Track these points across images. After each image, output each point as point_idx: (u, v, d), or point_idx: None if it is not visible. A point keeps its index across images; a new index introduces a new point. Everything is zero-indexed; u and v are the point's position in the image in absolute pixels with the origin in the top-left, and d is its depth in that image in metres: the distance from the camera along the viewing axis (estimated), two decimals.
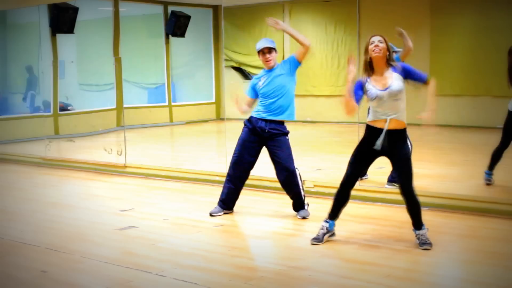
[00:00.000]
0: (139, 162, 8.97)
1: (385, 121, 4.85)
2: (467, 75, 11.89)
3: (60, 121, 12.65)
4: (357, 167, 5.09)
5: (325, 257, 4.85)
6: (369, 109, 5.05)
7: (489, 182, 6.90)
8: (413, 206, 4.98)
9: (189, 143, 12.73)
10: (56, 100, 12.56)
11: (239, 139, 6.12)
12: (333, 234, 5.20)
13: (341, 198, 5.13)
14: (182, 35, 15.02)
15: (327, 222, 5.17)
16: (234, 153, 6.12)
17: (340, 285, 4.24)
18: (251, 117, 6.06)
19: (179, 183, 8.00)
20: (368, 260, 4.71)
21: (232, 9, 13.41)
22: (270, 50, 5.96)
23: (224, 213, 6.19)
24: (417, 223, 5.01)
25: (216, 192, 6.52)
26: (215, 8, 15.67)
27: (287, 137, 6.05)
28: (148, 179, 8.39)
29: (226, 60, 14.63)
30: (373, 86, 4.85)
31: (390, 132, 4.87)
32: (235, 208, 6.26)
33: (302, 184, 6.04)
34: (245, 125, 6.10)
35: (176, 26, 14.81)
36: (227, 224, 5.93)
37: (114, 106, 13.58)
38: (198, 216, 6.19)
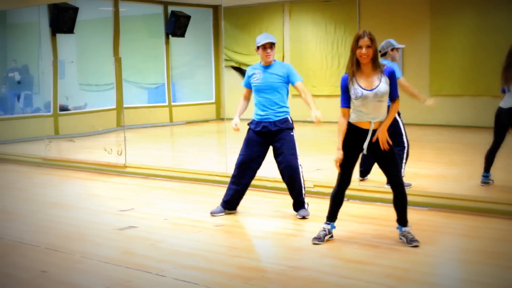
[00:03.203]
0: (139, 162, 8.97)
1: (370, 123, 4.93)
2: (467, 75, 11.89)
3: (60, 121, 12.65)
4: (349, 167, 5.11)
5: (325, 257, 4.85)
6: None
7: (486, 185, 6.88)
8: (402, 199, 5.04)
9: (189, 143, 12.72)
10: (56, 100, 12.55)
11: (244, 140, 6.09)
12: (332, 235, 5.22)
13: (339, 199, 5.19)
14: (182, 35, 15.03)
15: (328, 224, 5.20)
16: (240, 154, 6.09)
17: (340, 285, 4.24)
18: (254, 119, 6.06)
19: (179, 183, 8.00)
20: (368, 260, 4.71)
21: (232, 9, 13.42)
22: (271, 45, 5.97)
23: (226, 213, 6.18)
24: (404, 219, 5.08)
25: (216, 192, 6.52)
26: (215, 8, 15.68)
27: (292, 133, 6.03)
28: (148, 179, 8.38)
29: (226, 60, 14.63)
30: (358, 85, 4.87)
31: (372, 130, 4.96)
32: None
33: (304, 183, 6.04)
34: (249, 127, 6.10)
35: (176, 26, 14.82)
36: (227, 224, 5.93)
37: (114, 106, 13.59)
38: (198, 216, 6.19)
